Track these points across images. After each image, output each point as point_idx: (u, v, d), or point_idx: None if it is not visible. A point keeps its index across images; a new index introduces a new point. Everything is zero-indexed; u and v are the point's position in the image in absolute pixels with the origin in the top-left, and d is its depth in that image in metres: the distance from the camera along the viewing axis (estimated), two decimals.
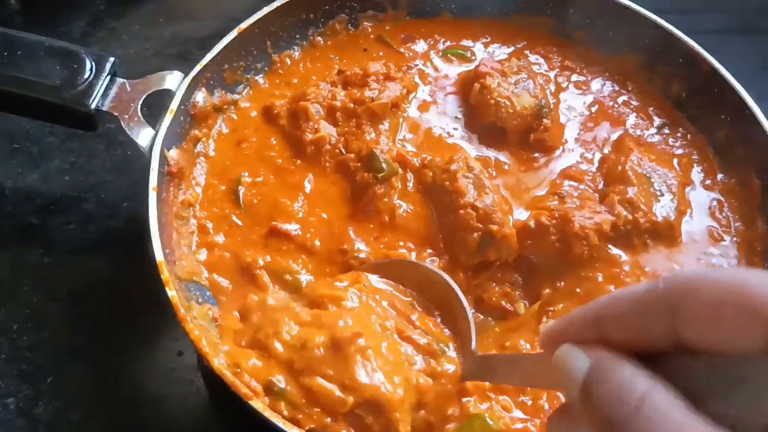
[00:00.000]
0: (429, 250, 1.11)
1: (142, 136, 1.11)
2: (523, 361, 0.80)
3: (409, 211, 1.15)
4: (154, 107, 1.15)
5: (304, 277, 1.09)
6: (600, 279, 1.11)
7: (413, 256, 1.10)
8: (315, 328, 0.92)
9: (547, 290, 1.09)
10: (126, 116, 1.12)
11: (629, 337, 0.54)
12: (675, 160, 1.25)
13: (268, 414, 0.89)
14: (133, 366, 1.13)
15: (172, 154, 1.14)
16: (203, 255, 1.12)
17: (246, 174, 1.18)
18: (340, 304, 0.95)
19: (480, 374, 0.92)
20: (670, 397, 0.49)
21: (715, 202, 1.21)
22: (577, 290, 1.10)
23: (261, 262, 1.10)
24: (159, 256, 1.01)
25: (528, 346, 1.06)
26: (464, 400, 0.99)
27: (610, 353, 0.54)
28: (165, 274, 0.99)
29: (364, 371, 0.87)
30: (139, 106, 1.13)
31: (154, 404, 1.11)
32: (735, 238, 1.17)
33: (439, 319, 1.00)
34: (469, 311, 0.97)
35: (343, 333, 0.89)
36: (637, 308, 0.54)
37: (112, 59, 1.15)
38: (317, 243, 1.12)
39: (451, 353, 0.96)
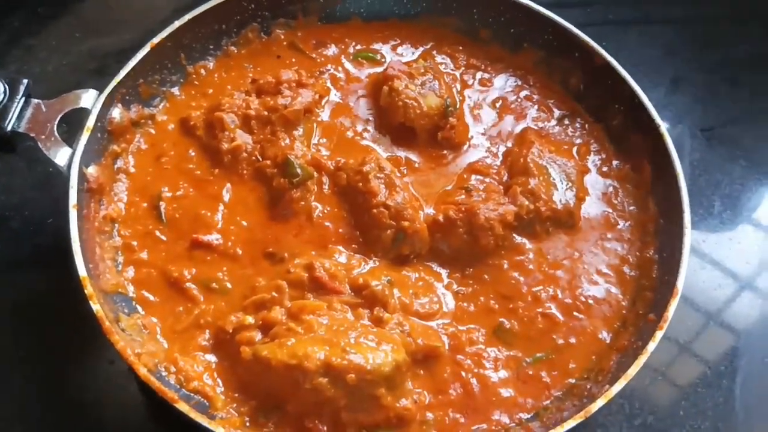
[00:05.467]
0: (354, 246, 1.18)
1: (60, 156, 1.14)
2: None
3: (326, 212, 1.21)
4: (73, 123, 1.18)
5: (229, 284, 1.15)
6: (506, 266, 1.19)
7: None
8: None
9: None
10: (43, 137, 1.15)
11: None
12: (575, 149, 1.33)
13: (193, 416, 0.96)
14: (69, 378, 1.18)
15: (91, 170, 1.17)
16: (130, 272, 1.15)
17: (166, 189, 1.22)
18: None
19: None
20: None
21: (611, 188, 1.29)
22: (485, 276, 1.18)
23: (187, 275, 1.15)
24: (82, 272, 1.05)
25: None
26: None
27: None
28: (89, 289, 1.04)
29: None
30: (55, 126, 1.16)
31: (94, 413, 1.17)
32: (629, 222, 1.26)
33: None
34: None
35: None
36: None
37: (25, 81, 1.18)
38: (239, 251, 1.18)
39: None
